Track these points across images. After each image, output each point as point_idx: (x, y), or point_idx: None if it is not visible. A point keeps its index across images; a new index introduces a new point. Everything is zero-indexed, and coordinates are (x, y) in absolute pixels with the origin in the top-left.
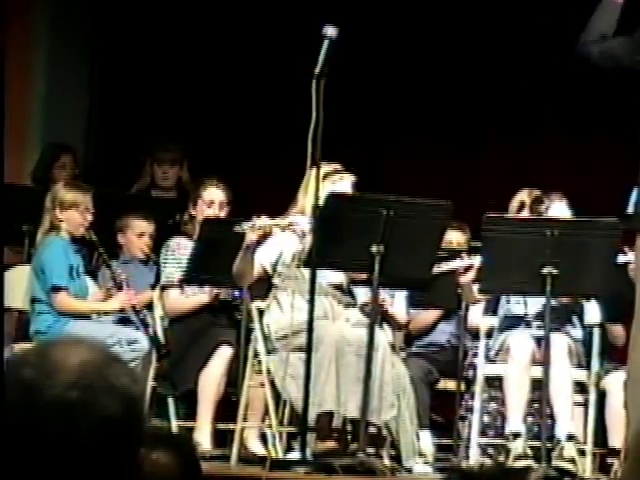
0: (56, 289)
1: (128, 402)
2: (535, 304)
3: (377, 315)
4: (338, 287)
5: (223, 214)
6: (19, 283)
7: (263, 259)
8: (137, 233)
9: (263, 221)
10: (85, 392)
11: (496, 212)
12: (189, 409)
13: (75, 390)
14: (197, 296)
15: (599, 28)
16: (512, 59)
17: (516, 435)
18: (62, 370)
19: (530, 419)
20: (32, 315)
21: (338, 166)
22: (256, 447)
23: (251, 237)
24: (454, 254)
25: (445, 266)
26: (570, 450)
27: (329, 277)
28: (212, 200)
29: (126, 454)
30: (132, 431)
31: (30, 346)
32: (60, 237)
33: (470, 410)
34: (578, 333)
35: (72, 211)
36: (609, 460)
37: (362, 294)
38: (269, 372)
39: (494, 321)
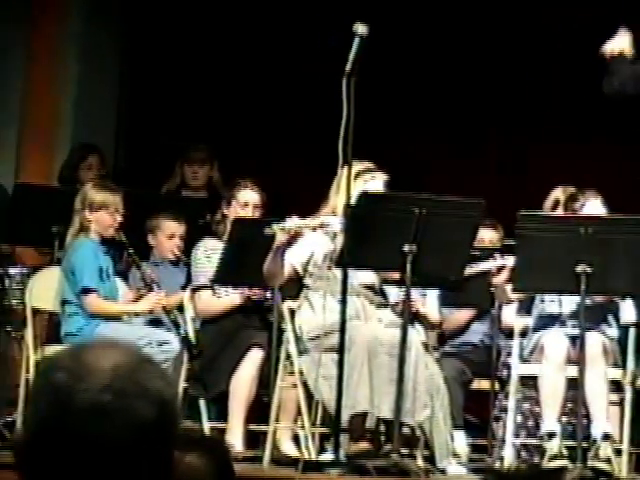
0: (86, 291)
1: (161, 406)
2: (570, 303)
3: (409, 315)
4: (370, 287)
5: (256, 216)
6: (49, 285)
7: (294, 259)
8: (167, 234)
9: (293, 222)
10: (118, 396)
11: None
12: (221, 410)
13: (108, 394)
14: (229, 297)
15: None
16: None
17: (551, 435)
18: (94, 373)
19: (565, 419)
20: (63, 317)
21: (370, 164)
22: (289, 448)
23: (281, 238)
24: (487, 253)
25: (477, 267)
26: (606, 450)
27: (360, 277)
28: (246, 202)
29: (159, 458)
30: (165, 435)
31: (62, 348)
32: (90, 239)
33: (504, 410)
34: (613, 332)
35: (102, 212)
36: None
37: (394, 294)
38: (301, 373)
39: (528, 321)
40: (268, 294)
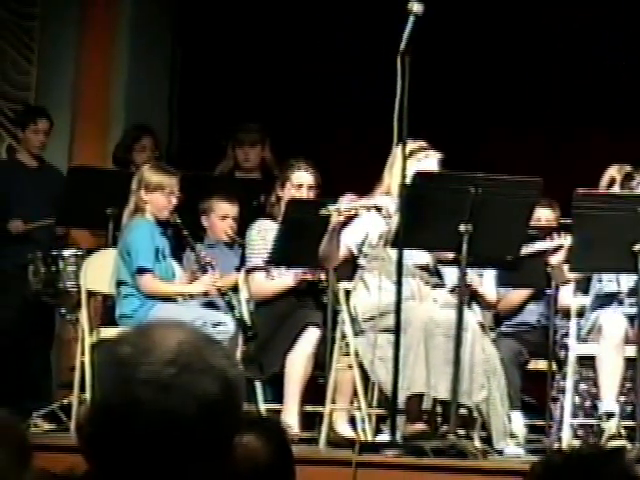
0: (142, 271)
1: (225, 384)
2: (628, 281)
3: (465, 296)
4: (424, 268)
5: (311, 197)
6: (104, 267)
7: (349, 240)
8: (220, 215)
9: (348, 203)
10: (182, 370)
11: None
12: (276, 392)
13: (172, 368)
14: (281, 279)
15: None
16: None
17: (609, 415)
18: (160, 348)
19: (623, 399)
20: (118, 298)
21: (424, 143)
22: (345, 430)
23: (336, 219)
24: (543, 232)
25: (535, 247)
26: None
27: (415, 258)
28: (300, 183)
29: (222, 435)
30: (229, 413)
31: (120, 330)
32: (146, 219)
33: (562, 391)
34: None
35: (157, 194)
36: None
37: (451, 274)
38: (357, 354)
39: (585, 301)
40: (322, 276)
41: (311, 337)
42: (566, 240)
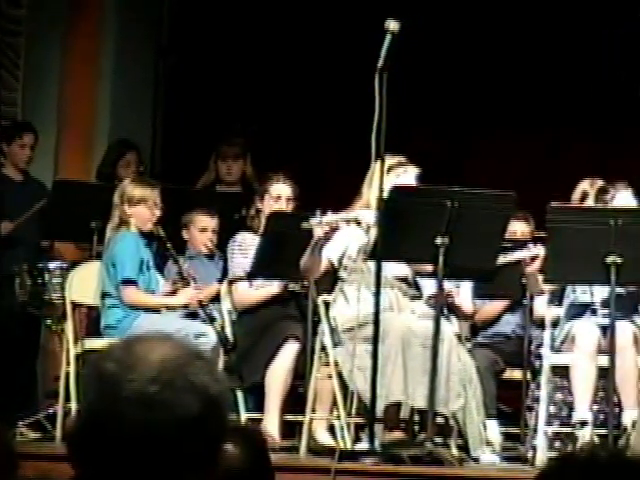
0: (126, 282)
1: (206, 401)
2: (601, 293)
3: (442, 307)
4: (403, 280)
5: (290, 209)
6: (88, 279)
7: (330, 253)
8: (199, 228)
9: (330, 217)
10: (164, 388)
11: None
12: (257, 401)
13: (155, 385)
14: (266, 287)
15: None
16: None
17: (583, 423)
18: (143, 365)
19: (596, 407)
20: (102, 310)
21: (402, 159)
22: (324, 438)
23: (319, 233)
24: (519, 244)
25: (511, 256)
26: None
27: (394, 270)
28: (279, 195)
29: (203, 452)
30: (210, 430)
31: (106, 341)
32: (130, 232)
33: (537, 400)
34: None
35: (140, 206)
36: None
37: (429, 286)
38: (336, 364)
39: (559, 311)
40: (305, 283)
41: (291, 350)
42: (542, 250)
